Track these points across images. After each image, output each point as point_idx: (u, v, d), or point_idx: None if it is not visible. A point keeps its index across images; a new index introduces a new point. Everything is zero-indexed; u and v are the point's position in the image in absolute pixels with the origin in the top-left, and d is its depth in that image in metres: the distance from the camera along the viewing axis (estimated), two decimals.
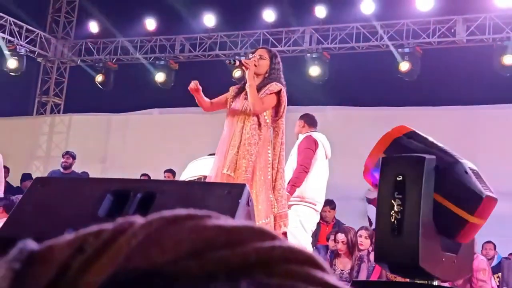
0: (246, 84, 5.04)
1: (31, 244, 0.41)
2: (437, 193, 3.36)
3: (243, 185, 2.51)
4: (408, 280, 3.53)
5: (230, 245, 0.40)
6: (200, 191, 2.57)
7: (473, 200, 3.34)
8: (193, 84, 5.09)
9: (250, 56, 5.22)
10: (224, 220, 0.42)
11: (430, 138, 3.66)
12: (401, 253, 3.29)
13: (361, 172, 3.87)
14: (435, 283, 3.42)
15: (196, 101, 5.21)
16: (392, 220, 3.28)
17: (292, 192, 6.24)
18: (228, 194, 2.42)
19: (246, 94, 5.02)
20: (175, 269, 0.40)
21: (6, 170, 9.55)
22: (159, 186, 2.69)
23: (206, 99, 5.22)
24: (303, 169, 6.38)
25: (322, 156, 6.61)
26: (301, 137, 6.67)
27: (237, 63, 5.30)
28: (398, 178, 3.31)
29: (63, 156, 9.88)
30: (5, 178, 9.25)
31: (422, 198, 3.27)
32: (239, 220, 0.42)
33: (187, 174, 5.97)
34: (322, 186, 6.64)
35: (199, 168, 5.89)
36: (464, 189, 3.36)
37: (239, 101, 5.09)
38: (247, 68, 5.05)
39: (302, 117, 6.89)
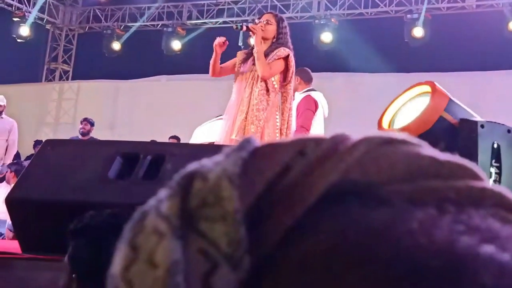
0: (254, 50, 5.03)
1: (255, 140, 0.42)
2: None
3: None
4: None
5: (443, 177, 0.39)
6: (210, 154, 2.57)
7: None
8: (221, 40, 5.06)
9: (257, 21, 5.20)
10: (437, 152, 0.41)
11: None
12: None
13: None
14: None
15: (212, 61, 5.12)
16: None
17: None
18: None
19: (254, 59, 5.00)
20: (387, 190, 0.39)
21: None
22: (169, 148, 2.70)
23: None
24: (304, 131, 6.30)
25: (321, 117, 6.50)
26: (299, 96, 6.46)
27: (244, 28, 5.27)
28: (494, 146, 3.20)
29: (81, 122, 9.95)
30: None
31: None
32: (451, 155, 0.41)
33: (195, 140, 5.95)
34: None
35: (207, 134, 5.86)
36: None
37: (247, 66, 5.07)
38: (254, 34, 5.04)
39: (297, 73, 6.60)
